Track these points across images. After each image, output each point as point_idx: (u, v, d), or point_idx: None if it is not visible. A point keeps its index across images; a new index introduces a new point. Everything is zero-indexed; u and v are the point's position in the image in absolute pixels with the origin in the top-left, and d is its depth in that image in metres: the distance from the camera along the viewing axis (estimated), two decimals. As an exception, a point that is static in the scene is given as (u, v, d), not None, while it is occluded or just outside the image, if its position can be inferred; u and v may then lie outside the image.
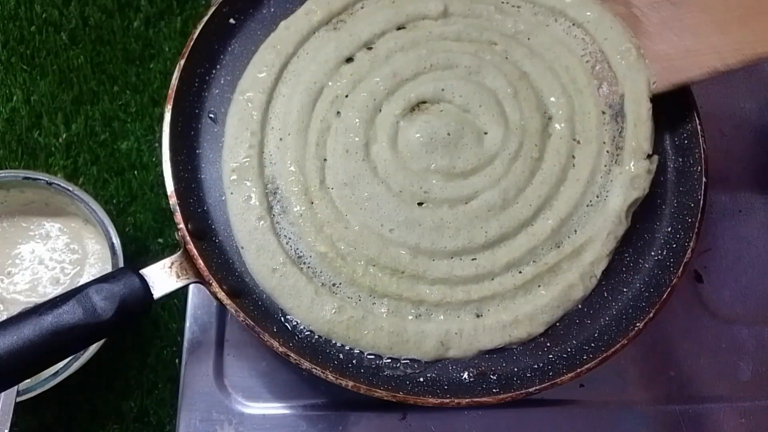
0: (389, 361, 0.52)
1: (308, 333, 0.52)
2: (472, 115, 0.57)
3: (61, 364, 0.53)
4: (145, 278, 0.48)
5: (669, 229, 0.57)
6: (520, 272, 0.55)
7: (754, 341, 0.64)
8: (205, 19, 0.56)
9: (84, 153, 0.66)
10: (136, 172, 0.66)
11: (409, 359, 0.52)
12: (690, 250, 0.55)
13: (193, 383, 0.58)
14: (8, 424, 0.50)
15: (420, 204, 0.55)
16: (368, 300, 0.53)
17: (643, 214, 0.57)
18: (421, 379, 0.52)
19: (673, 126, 0.59)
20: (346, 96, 0.57)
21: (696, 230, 0.55)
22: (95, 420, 0.60)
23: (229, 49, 0.58)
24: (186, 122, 0.55)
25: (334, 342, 0.52)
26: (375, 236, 0.54)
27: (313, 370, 0.48)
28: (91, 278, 0.59)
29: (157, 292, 0.48)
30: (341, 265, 0.53)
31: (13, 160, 0.66)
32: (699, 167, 0.57)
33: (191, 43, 0.55)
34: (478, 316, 0.54)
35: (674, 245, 0.56)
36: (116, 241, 0.57)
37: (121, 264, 0.56)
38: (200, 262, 0.49)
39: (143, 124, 0.68)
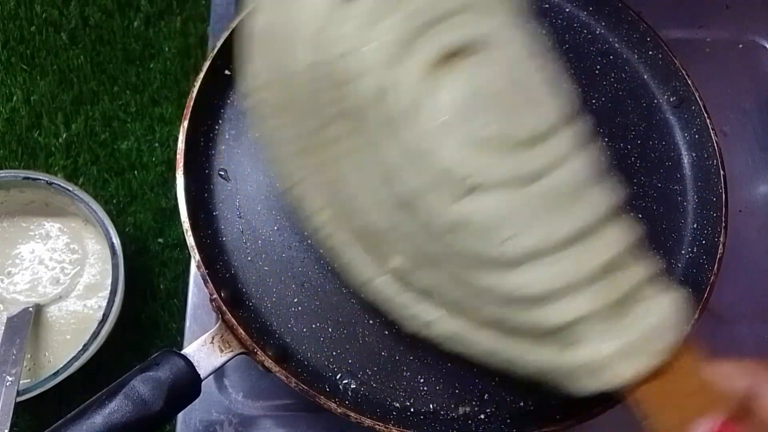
0: (446, 401, 0.51)
1: (358, 385, 0.51)
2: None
3: (61, 364, 0.53)
4: (189, 359, 0.46)
5: (695, 225, 0.57)
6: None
7: (754, 341, 0.64)
8: (202, 75, 0.55)
9: (84, 153, 0.66)
10: (136, 172, 0.66)
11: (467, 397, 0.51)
12: (721, 245, 0.55)
13: (193, 383, 0.58)
14: (8, 424, 0.50)
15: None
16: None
17: (666, 213, 0.58)
18: (482, 416, 0.51)
19: (682, 122, 0.60)
20: None
21: (723, 224, 0.55)
22: (95, 420, 0.60)
23: (229, 101, 0.57)
24: (199, 185, 0.54)
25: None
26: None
27: (376, 426, 0.47)
28: (91, 278, 0.59)
29: (204, 371, 0.47)
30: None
31: (13, 160, 0.66)
32: (714, 160, 0.57)
33: (191, 103, 0.53)
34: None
35: (704, 241, 0.56)
36: (116, 241, 0.56)
37: (121, 264, 0.56)
38: (241, 332, 0.48)
39: (143, 124, 0.68)
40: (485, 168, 0.38)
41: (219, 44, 0.56)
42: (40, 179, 0.57)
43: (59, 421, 0.44)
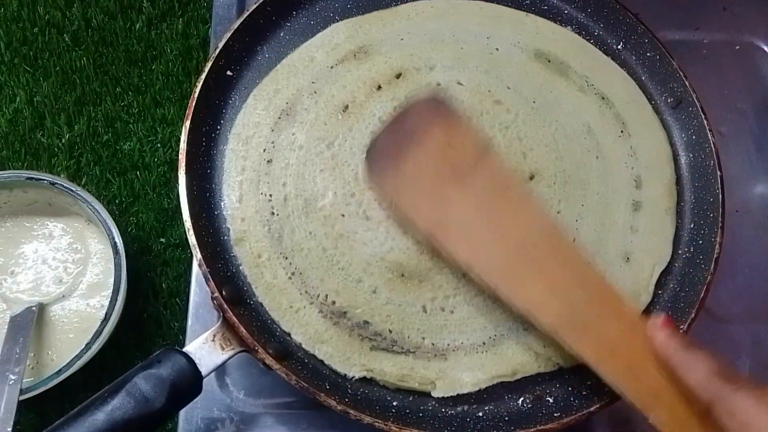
0: (444, 399, 0.52)
1: (359, 382, 0.52)
2: None
3: (64, 362, 0.54)
4: (191, 356, 0.47)
5: (692, 225, 0.58)
6: None
7: (751, 341, 0.65)
8: (203, 76, 0.55)
9: (87, 153, 0.67)
10: (138, 172, 0.67)
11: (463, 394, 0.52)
12: (718, 245, 0.55)
13: (195, 381, 0.58)
14: (11, 422, 0.50)
15: None
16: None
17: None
18: (480, 414, 0.51)
19: (679, 123, 0.60)
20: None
21: (720, 225, 0.56)
22: (98, 418, 0.60)
23: (230, 102, 0.58)
24: (200, 185, 0.54)
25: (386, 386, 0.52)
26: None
27: (375, 423, 0.48)
28: (94, 277, 0.60)
29: (205, 368, 0.47)
30: None
31: (16, 161, 0.66)
32: (712, 161, 0.58)
33: (193, 103, 0.54)
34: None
35: (701, 241, 0.57)
36: (119, 240, 0.57)
37: (123, 263, 0.56)
38: (242, 330, 0.48)
39: (145, 125, 0.68)
40: None
41: (221, 45, 0.57)
42: (43, 179, 0.58)
43: (62, 419, 0.44)
